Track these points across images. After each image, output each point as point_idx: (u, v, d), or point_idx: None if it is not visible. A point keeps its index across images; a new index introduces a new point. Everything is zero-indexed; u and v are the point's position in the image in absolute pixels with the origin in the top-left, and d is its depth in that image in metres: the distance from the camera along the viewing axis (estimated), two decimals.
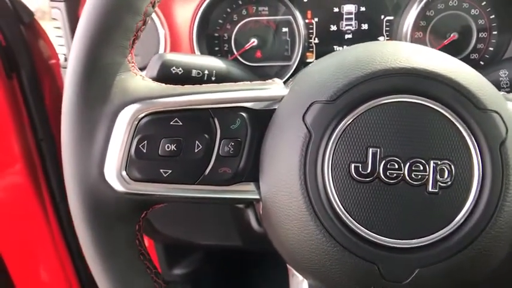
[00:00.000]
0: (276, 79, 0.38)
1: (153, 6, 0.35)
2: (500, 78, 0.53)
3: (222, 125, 0.34)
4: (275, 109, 0.35)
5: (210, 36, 0.66)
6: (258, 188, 0.34)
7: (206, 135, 0.34)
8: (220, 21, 0.66)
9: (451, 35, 0.63)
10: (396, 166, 0.31)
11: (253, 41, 0.66)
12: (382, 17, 0.64)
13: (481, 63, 0.64)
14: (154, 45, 0.62)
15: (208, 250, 1.00)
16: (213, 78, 0.48)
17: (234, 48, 0.66)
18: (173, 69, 0.46)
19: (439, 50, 0.44)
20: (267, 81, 0.37)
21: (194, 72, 0.47)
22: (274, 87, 0.36)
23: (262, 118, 0.34)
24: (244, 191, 0.35)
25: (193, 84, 0.36)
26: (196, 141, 0.33)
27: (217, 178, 0.34)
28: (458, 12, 0.63)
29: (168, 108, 0.33)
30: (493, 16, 0.62)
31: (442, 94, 0.31)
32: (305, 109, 0.32)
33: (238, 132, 0.34)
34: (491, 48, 0.64)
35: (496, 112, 0.31)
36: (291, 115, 0.33)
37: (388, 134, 0.31)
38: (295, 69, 0.65)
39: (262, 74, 0.66)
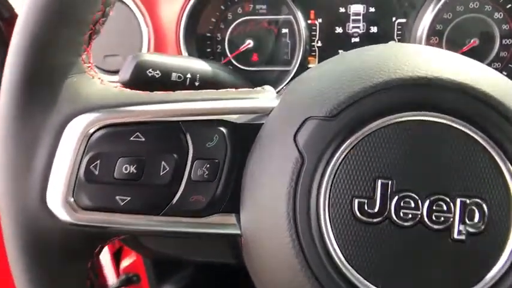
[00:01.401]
0: (266, 86, 0.33)
1: None
2: None
3: (196, 142, 0.29)
4: (262, 124, 0.29)
5: (200, 37, 0.63)
6: (239, 220, 0.29)
7: (175, 155, 0.29)
8: (212, 19, 0.64)
9: (471, 41, 0.59)
10: (412, 204, 0.26)
11: (249, 43, 0.63)
12: (394, 19, 0.61)
13: (504, 73, 0.60)
14: (137, 45, 0.59)
15: (199, 266, 0.97)
16: (197, 84, 0.44)
17: (228, 50, 0.63)
18: (149, 72, 0.41)
19: None
20: (255, 88, 0.32)
21: (174, 76, 0.42)
22: (263, 97, 0.31)
23: (245, 135, 0.30)
24: (221, 224, 0.30)
25: (174, 90, 0.31)
26: (163, 162, 0.29)
27: (188, 208, 0.29)
28: (479, 16, 0.59)
29: (128, 119, 0.29)
30: None
31: (473, 112, 0.26)
32: (297, 126, 0.27)
33: (215, 151, 0.29)
34: None
35: None
36: (279, 133, 0.28)
37: (402, 162, 0.26)
38: (294, 75, 0.63)
39: (258, 80, 0.63)
